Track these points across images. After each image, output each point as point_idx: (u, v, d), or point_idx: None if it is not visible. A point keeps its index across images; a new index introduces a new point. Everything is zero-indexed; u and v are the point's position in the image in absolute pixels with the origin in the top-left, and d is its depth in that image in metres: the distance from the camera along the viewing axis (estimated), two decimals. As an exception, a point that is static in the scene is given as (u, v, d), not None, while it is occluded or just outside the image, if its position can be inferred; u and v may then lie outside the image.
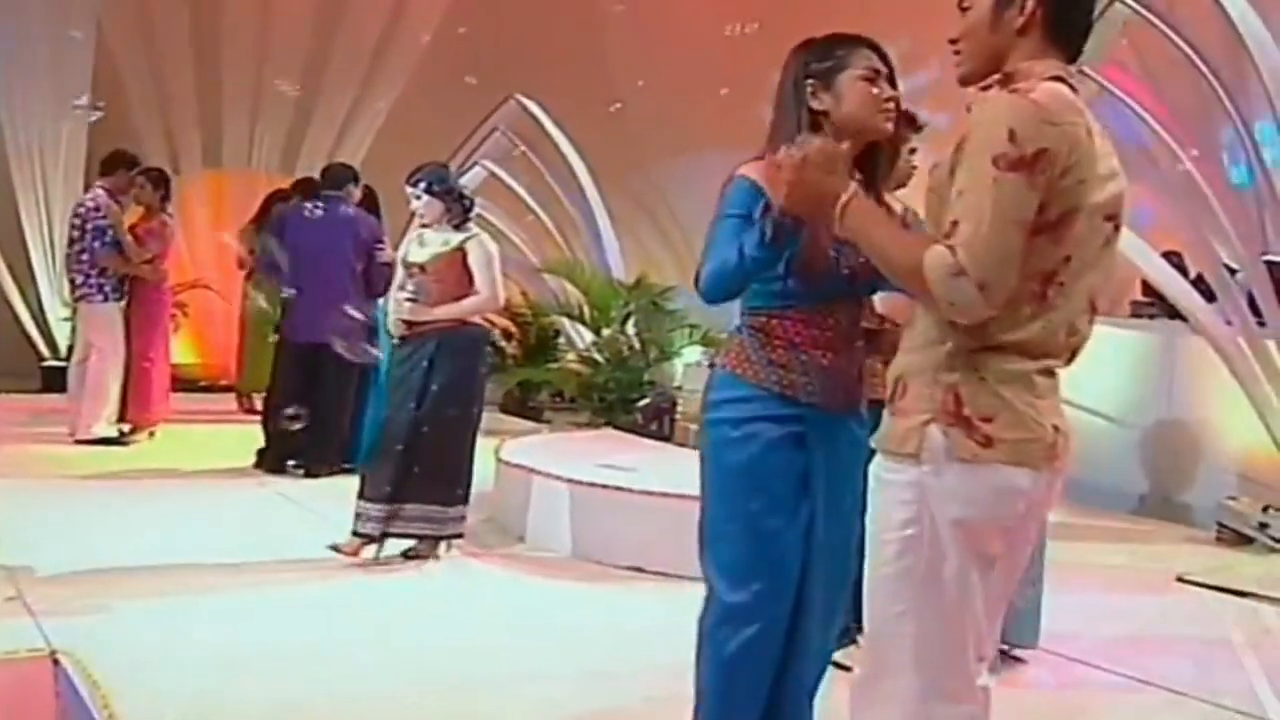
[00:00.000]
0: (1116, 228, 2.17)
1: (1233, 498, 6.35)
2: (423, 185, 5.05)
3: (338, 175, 7.17)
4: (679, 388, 9.21)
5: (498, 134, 10.27)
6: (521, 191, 10.16)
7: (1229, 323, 6.42)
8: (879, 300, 2.87)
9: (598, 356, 9.12)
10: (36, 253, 9.95)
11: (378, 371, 6.74)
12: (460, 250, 5.04)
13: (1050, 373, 2.15)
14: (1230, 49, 6.74)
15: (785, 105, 2.68)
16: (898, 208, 2.82)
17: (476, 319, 5.19)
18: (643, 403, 8.13)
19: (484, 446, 5.41)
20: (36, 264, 9.97)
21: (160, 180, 7.84)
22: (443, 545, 5.15)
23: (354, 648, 4.07)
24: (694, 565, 4.98)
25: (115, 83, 10.14)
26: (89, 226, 7.45)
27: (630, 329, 9.06)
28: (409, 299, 5.04)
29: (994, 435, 2.07)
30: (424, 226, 5.13)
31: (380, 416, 5.19)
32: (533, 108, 10.30)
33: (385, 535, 5.00)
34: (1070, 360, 2.20)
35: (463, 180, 10.14)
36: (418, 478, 4.97)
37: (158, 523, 5.67)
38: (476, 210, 5.39)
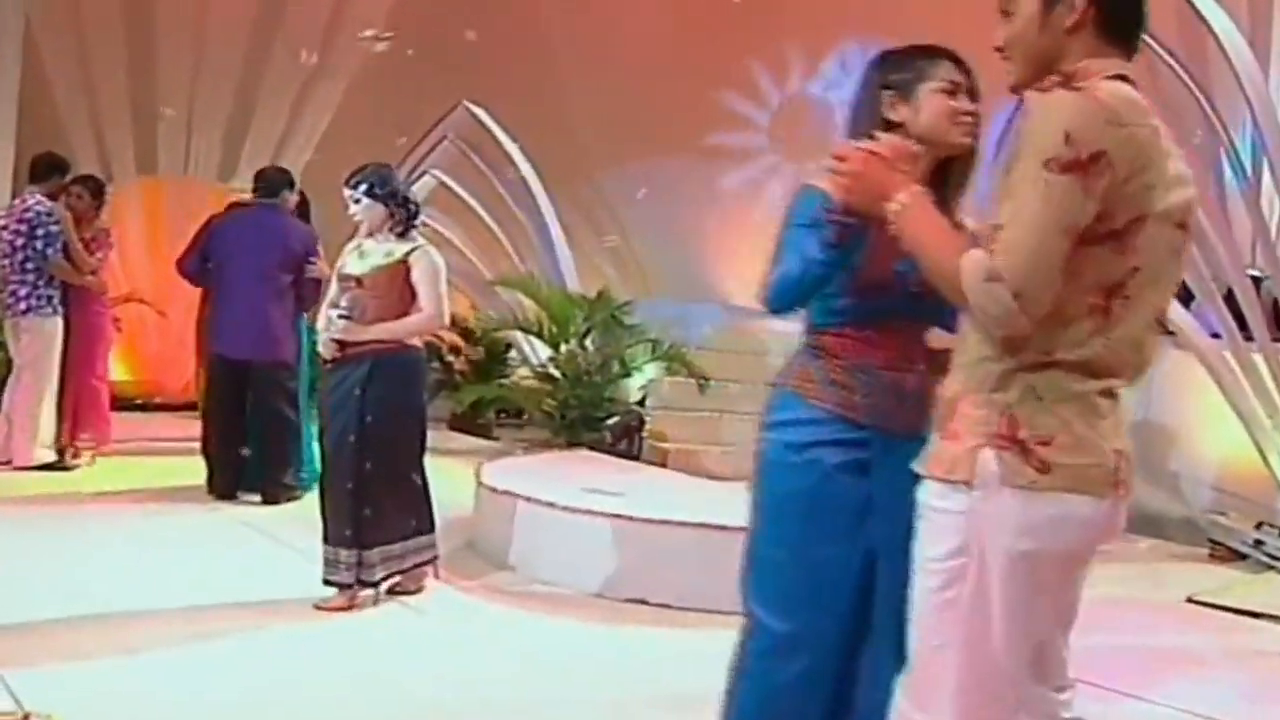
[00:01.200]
0: (1187, 236, 2.05)
1: (1221, 513, 6.29)
2: (363, 188, 4.54)
3: (272, 180, 6.74)
4: (640, 402, 8.97)
5: (447, 142, 9.93)
6: (473, 202, 9.83)
7: (1215, 335, 6.36)
8: (934, 337, 2.71)
9: (555, 373, 8.83)
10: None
11: (313, 387, 6.47)
12: (403, 263, 4.54)
13: (1112, 393, 2.01)
14: (1196, 57, 6.71)
15: (858, 117, 2.59)
16: (970, 225, 2.64)
17: (416, 340, 4.71)
18: (611, 421, 7.84)
19: (448, 467, 5.07)
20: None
21: (98, 189, 7.43)
22: (428, 577, 4.83)
23: (347, 691, 3.76)
24: (695, 596, 4.78)
25: (41, 82, 9.60)
26: (40, 233, 6.89)
27: (590, 344, 8.78)
28: (342, 316, 4.48)
29: (1052, 460, 1.94)
30: (367, 236, 4.66)
31: (318, 444, 4.83)
32: (482, 115, 9.99)
33: (361, 583, 4.56)
34: (1135, 379, 2.05)
35: (414, 189, 9.86)
36: (370, 521, 4.50)
37: (116, 559, 5.24)
38: (423, 219, 4.99)
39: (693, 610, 4.68)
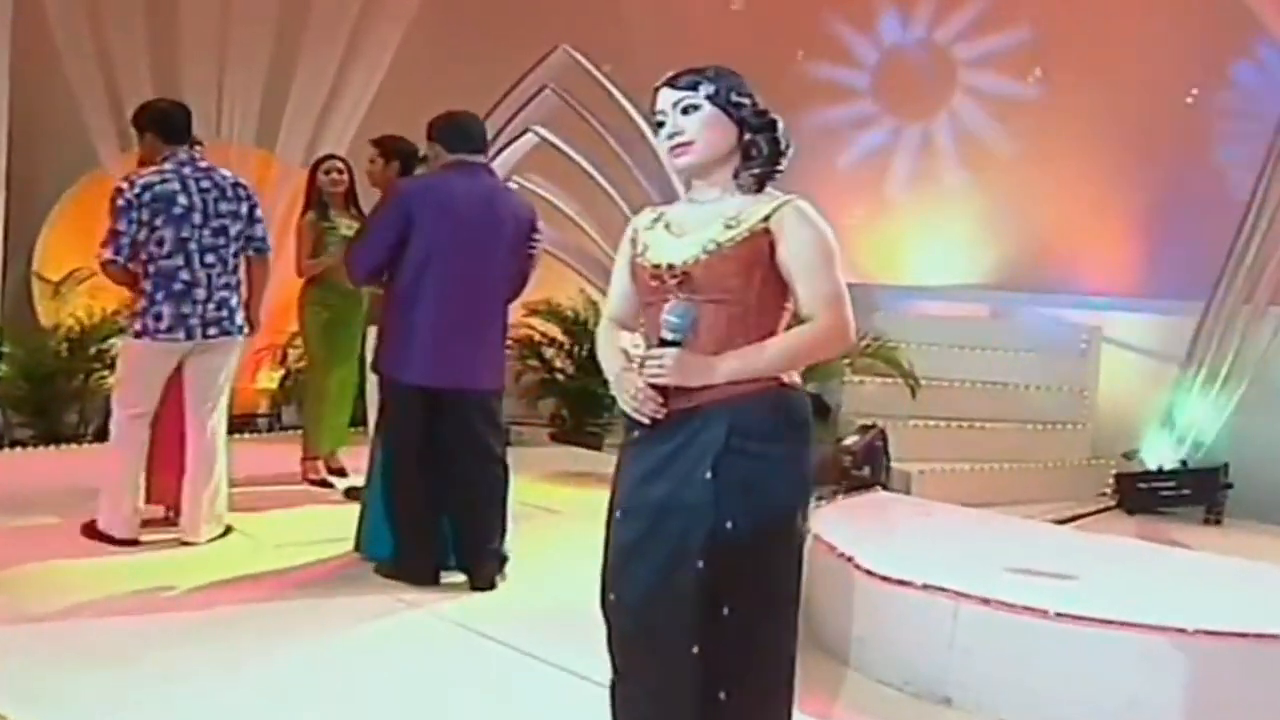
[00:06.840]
0: None
1: None
2: (706, 89, 2.45)
3: (471, 129, 4.65)
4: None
5: (548, 92, 8.11)
6: (584, 163, 8.03)
7: None
8: None
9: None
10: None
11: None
12: (764, 231, 2.42)
13: None
14: None
15: None
16: None
17: (794, 374, 2.50)
18: (850, 439, 6.12)
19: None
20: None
21: None
22: None
23: None
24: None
25: (41, 31, 7.58)
26: (257, 215, 5.01)
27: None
28: (668, 341, 2.39)
29: None
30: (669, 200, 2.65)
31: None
32: (584, 62, 8.22)
33: None
34: None
35: (510, 150, 8.04)
36: (733, 713, 2.40)
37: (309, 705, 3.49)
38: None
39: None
